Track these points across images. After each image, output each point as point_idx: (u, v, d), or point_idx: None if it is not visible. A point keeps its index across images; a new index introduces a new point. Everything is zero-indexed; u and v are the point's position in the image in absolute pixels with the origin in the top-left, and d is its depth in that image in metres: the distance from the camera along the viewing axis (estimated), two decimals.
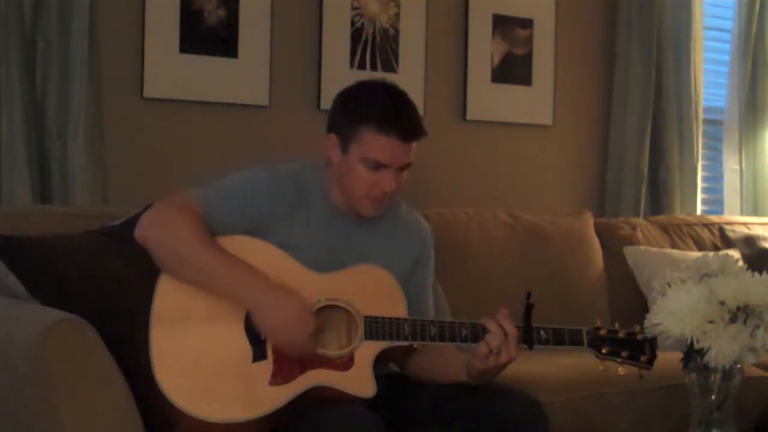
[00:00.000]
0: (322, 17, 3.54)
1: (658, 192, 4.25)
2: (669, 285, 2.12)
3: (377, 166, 2.27)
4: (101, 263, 2.39)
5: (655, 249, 3.78)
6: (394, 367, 2.41)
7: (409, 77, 3.64)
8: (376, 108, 2.27)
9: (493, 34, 3.90)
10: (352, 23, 3.60)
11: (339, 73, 3.53)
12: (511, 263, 3.47)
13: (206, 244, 2.17)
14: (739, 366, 2.09)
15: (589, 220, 3.79)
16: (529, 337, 2.22)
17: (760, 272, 2.10)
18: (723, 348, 2.02)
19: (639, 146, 4.15)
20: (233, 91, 3.39)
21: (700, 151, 4.36)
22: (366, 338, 2.18)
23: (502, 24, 3.91)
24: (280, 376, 2.14)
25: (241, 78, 3.39)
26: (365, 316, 2.19)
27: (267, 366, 2.14)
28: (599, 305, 3.61)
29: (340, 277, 2.24)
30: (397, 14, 3.68)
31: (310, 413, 2.08)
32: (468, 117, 3.87)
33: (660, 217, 4.08)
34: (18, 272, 2.33)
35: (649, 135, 4.18)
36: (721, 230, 4.05)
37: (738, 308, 2.05)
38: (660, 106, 4.20)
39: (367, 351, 2.18)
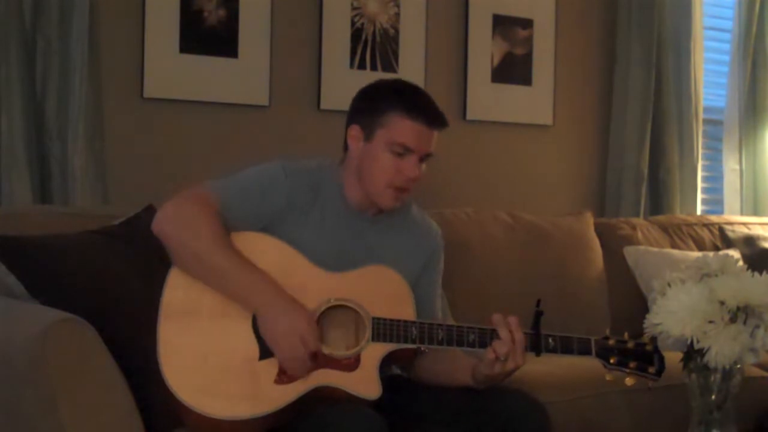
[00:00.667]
0: (322, 17, 3.54)
1: (658, 192, 4.25)
2: (669, 285, 2.12)
3: (402, 153, 2.29)
4: (101, 263, 2.38)
5: (655, 249, 3.78)
6: (396, 370, 2.41)
7: (409, 77, 3.56)
8: (405, 96, 2.34)
9: (493, 34, 3.90)
10: (352, 23, 3.60)
11: (339, 73, 3.53)
12: (511, 263, 3.47)
13: (223, 246, 2.17)
14: (739, 366, 2.09)
15: (589, 220, 3.79)
16: (537, 345, 2.21)
17: (760, 272, 2.10)
18: (723, 348, 2.02)
19: (639, 146, 4.15)
20: (233, 91, 3.39)
21: (700, 151, 4.37)
22: (373, 340, 2.18)
23: (502, 24, 3.92)
24: (285, 375, 2.14)
25: (241, 78, 3.39)
26: (373, 318, 2.19)
27: (273, 364, 2.14)
28: (599, 305, 3.61)
29: (350, 277, 2.24)
30: (397, 14, 3.68)
31: (313, 412, 2.08)
32: (468, 117, 3.87)
33: (660, 217, 4.08)
34: (18, 272, 2.33)
35: (649, 135, 4.18)
36: (721, 230, 4.05)
37: (738, 308, 2.05)
38: (660, 106, 4.20)
39: (373, 352, 2.18)
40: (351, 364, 2.17)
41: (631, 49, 4.12)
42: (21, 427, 2.09)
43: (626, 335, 2.27)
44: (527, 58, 3.98)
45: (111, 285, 2.34)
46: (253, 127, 3.44)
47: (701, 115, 4.34)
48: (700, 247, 3.93)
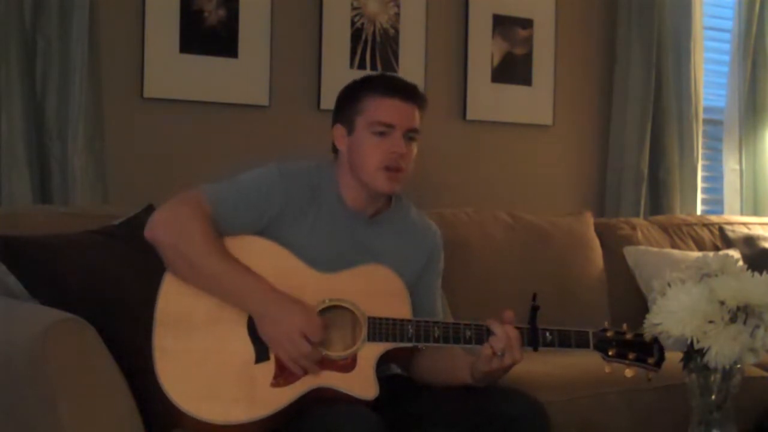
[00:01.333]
0: (322, 17, 3.54)
1: (658, 192, 4.25)
2: (669, 285, 2.12)
3: (384, 131, 2.30)
4: (101, 263, 2.38)
5: (655, 249, 3.78)
6: (395, 369, 2.41)
7: (409, 77, 3.55)
8: (375, 79, 2.41)
9: (493, 34, 3.90)
10: (352, 23, 3.60)
11: (339, 73, 3.53)
12: (511, 263, 3.47)
13: (216, 252, 2.17)
14: (739, 366, 2.09)
15: (589, 220, 3.79)
16: (534, 339, 2.21)
17: (760, 272, 2.10)
18: (723, 348, 2.02)
19: (639, 146, 4.15)
20: (233, 91, 3.39)
21: (700, 151, 4.36)
22: (369, 339, 2.18)
23: (502, 24, 3.91)
24: (282, 378, 2.13)
25: (241, 78, 3.39)
26: (369, 317, 2.19)
27: (269, 367, 2.14)
28: (599, 305, 3.60)
29: (345, 276, 2.24)
30: (397, 14, 3.68)
31: (310, 413, 2.08)
32: (468, 117, 3.87)
33: (660, 217, 4.08)
34: (18, 272, 2.33)
35: (649, 135, 4.18)
36: (721, 230, 4.05)
37: (738, 308, 2.05)
38: (660, 106, 4.20)
39: (370, 352, 2.18)
40: (347, 364, 2.16)
41: (631, 49, 4.12)
42: (21, 426, 2.09)
43: (625, 326, 2.26)
44: (527, 58, 3.98)
45: (111, 285, 2.34)
46: (253, 127, 3.44)
47: (701, 115, 4.34)
48: (700, 247, 3.93)
